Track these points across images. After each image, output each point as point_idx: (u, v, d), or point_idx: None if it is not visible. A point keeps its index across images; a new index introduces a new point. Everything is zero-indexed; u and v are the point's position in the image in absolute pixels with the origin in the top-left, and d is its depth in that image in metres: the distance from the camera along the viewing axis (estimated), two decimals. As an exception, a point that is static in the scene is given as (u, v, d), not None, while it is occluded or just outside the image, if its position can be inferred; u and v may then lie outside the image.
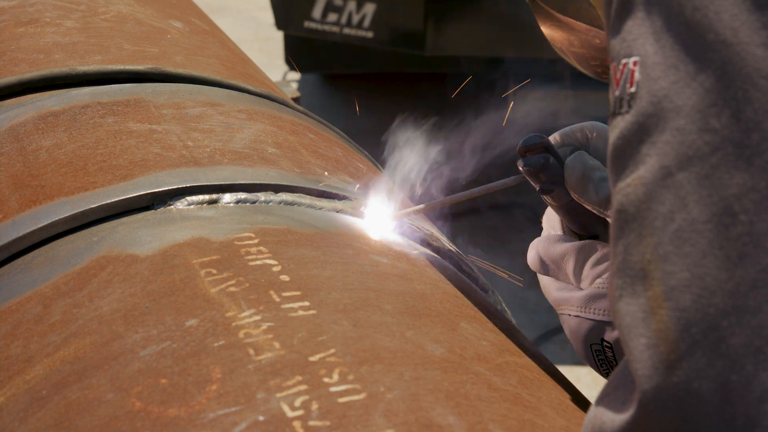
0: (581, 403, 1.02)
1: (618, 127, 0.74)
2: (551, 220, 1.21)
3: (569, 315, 1.12)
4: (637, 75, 0.73)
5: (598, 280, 1.10)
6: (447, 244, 1.33)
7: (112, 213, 1.19)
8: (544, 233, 1.20)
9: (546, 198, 1.14)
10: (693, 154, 0.69)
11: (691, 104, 0.69)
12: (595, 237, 1.17)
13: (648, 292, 0.70)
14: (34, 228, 1.18)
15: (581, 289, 1.12)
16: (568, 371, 3.92)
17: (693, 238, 0.68)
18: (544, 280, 1.17)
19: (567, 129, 1.19)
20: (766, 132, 0.66)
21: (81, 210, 1.19)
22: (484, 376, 0.94)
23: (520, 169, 1.13)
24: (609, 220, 1.11)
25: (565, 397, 1.00)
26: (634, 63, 0.73)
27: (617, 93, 0.74)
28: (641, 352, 0.69)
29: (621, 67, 0.74)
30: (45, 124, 1.40)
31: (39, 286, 1.09)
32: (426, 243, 1.29)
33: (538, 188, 1.13)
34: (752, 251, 0.66)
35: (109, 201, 1.19)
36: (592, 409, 0.76)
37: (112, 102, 1.45)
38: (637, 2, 0.73)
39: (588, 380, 3.72)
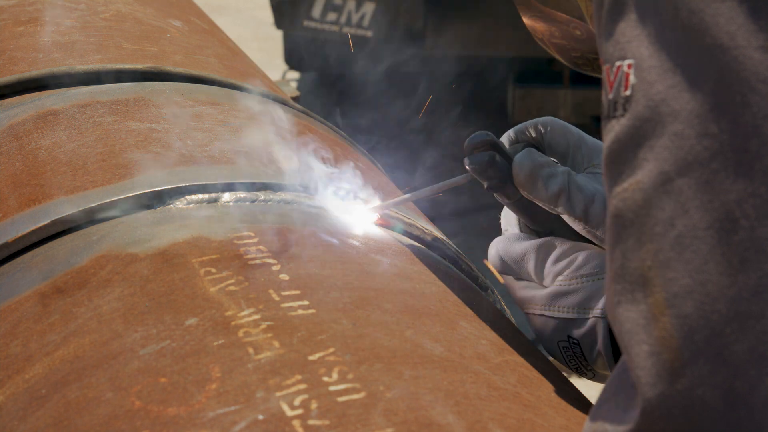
0: (580, 402, 1.02)
1: (613, 130, 0.74)
2: (508, 218, 1.21)
3: (534, 314, 1.12)
4: (632, 78, 0.72)
5: (560, 278, 1.09)
6: (446, 242, 1.33)
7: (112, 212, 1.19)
8: (503, 232, 1.20)
9: (496, 196, 1.14)
10: (693, 160, 0.68)
11: (690, 109, 0.69)
12: (551, 232, 1.17)
13: (649, 299, 0.69)
14: (33, 227, 1.18)
15: (544, 287, 1.12)
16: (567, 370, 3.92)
17: (694, 244, 0.67)
18: (507, 280, 1.17)
19: (520, 125, 1.18)
20: (765, 137, 0.66)
21: (80, 209, 1.18)
22: (483, 375, 0.94)
23: (467, 167, 1.12)
24: (563, 216, 1.11)
25: (565, 396, 1.00)
26: (629, 66, 0.73)
27: (611, 96, 0.74)
28: (643, 360, 0.69)
29: (615, 69, 0.74)
30: (44, 123, 1.40)
31: (38, 285, 1.09)
32: (425, 242, 1.29)
33: (486, 186, 1.12)
34: (754, 257, 0.65)
35: (108, 200, 1.19)
36: (592, 415, 0.76)
37: (112, 101, 1.45)
38: (629, 3, 0.73)
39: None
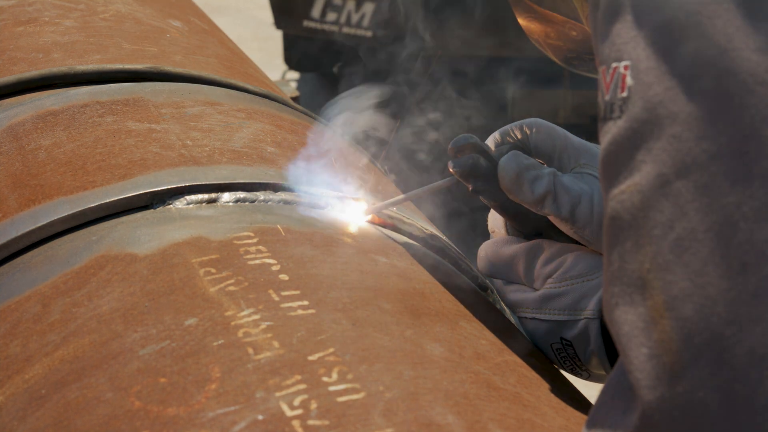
0: (580, 402, 1.02)
1: (610, 132, 0.74)
2: (495, 221, 1.20)
3: (526, 318, 1.11)
4: (628, 80, 0.72)
5: (550, 281, 1.09)
6: (446, 242, 1.33)
7: (111, 212, 1.19)
8: (490, 235, 1.20)
9: (482, 199, 1.13)
10: (691, 163, 0.68)
11: (688, 111, 0.69)
12: (539, 234, 1.16)
13: (648, 302, 0.69)
14: (33, 227, 1.18)
15: (535, 289, 1.11)
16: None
17: (693, 247, 0.67)
18: (498, 284, 1.16)
19: (506, 127, 1.17)
20: (763, 139, 0.66)
21: (80, 209, 1.18)
22: (483, 375, 0.94)
23: (450, 170, 1.11)
24: (550, 218, 1.10)
25: (564, 397, 1.00)
26: (625, 67, 0.72)
27: (607, 98, 0.74)
28: (643, 363, 0.68)
29: (611, 71, 0.74)
30: (44, 124, 1.40)
31: (38, 286, 1.09)
32: (425, 242, 1.29)
33: (470, 189, 1.11)
34: (753, 260, 0.65)
35: (108, 200, 1.19)
36: (590, 418, 0.76)
37: (111, 101, 1.45)
38: (625, 5, 0.73)
39: (587, 379, 3.70)
